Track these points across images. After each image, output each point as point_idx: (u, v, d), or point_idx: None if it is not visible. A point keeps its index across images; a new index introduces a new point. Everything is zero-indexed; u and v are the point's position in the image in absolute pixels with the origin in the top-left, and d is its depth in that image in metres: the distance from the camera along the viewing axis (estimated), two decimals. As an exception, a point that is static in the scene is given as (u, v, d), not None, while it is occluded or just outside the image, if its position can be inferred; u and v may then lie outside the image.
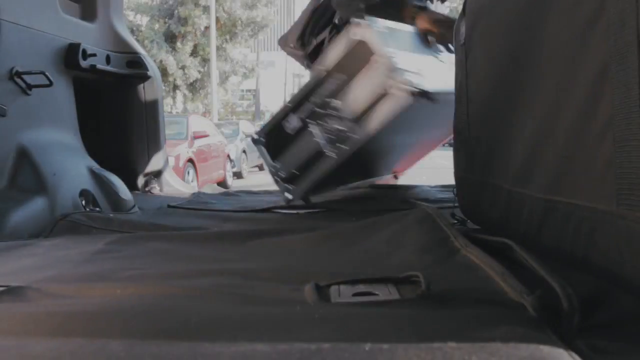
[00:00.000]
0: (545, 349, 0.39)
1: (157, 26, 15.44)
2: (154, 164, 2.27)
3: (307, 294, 0.58)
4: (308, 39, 1.94)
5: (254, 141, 1.72)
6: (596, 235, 0.65)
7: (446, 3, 1.93)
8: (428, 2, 1.91)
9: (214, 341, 0.43)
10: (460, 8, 1.20)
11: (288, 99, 1.77)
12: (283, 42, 2.05)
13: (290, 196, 1.61)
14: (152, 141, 2.26)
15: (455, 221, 1.16)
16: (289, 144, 1.61)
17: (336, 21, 1.83)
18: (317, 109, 1.53)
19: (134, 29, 14.74)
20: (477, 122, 1.10)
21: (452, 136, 1.26)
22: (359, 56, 1.45)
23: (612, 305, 0.56)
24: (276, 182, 1.65)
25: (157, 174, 2.30)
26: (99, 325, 0.51)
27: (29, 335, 0.49)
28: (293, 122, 1.59)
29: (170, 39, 15.36)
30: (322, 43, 1.88)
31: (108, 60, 2.03)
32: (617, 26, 0.60)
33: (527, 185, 0.84)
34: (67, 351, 0.41)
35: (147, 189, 2.25)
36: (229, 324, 0.50)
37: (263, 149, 1.68)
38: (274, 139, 1.66)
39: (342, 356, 0.38)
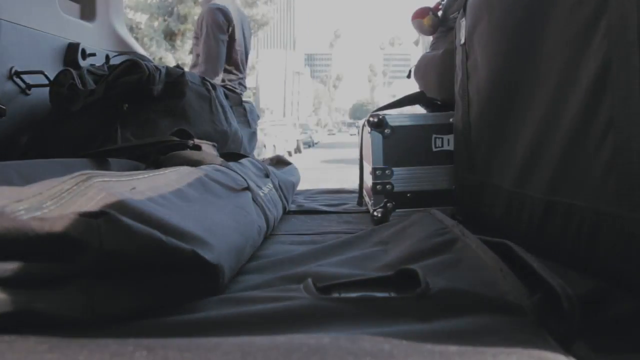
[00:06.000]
0: (545, 354, 0.40)
1: (156, 24, 15.41)
2: None
3: (305, 290, 0.58)
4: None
5: None
6: (596, 236, 0.65)
7: (445, 2, 1.91)
8: None
9: (212, 334, 0.43)
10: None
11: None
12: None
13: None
14: None
15: (456, 221, 1.16)
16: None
17: None
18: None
19: (133, 26, 14.72)
20: (477, 122, 1.10)
21: None
22: None
23: (612, 306, 0.56)
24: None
25: None
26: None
27: None
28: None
29: (170, 36, 15.33)
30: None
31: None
32: (618, 26, 0.60)
33: (528, 186, 0.84)
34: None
35: None
36: (226, 317, 0.49)
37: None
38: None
39: (341, 353, 0.38)
